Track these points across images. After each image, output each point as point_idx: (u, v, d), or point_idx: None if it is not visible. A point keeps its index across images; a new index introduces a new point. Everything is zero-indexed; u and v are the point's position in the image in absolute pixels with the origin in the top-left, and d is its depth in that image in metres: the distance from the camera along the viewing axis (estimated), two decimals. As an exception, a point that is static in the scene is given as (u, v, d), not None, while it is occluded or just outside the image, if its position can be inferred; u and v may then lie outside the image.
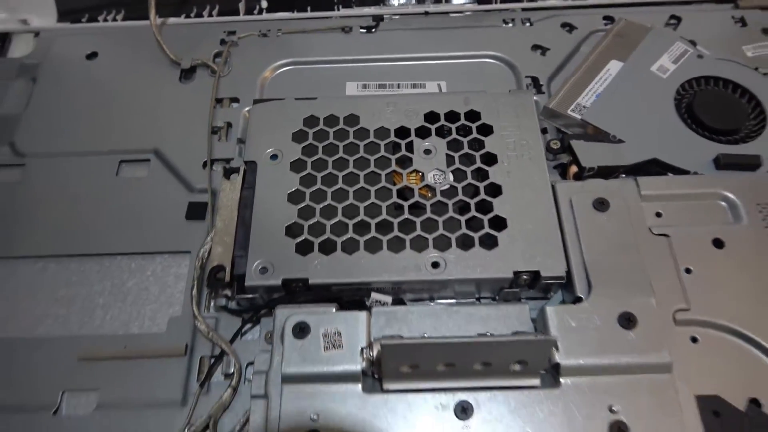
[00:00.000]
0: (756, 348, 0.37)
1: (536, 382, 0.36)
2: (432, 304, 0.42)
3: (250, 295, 0.41)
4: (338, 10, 0.62)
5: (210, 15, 0.62)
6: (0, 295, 0.45)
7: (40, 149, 0.53)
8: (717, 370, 0.37)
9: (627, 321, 0.36)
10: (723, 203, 0.43)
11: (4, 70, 0.59)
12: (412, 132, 0.46)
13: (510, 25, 0.60)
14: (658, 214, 0.42)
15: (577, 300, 0.38)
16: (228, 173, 0.45)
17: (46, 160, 0.52)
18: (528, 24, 0.60)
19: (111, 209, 0.49)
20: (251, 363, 0.40)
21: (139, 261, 0.47)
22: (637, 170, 0.45)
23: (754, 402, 0.36)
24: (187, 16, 0.62)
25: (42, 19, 0.63)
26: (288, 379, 0.36)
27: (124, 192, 0.50)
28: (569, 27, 0.59)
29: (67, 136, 0.53)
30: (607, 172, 0.45)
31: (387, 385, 0.36)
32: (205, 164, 0.50)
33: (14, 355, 0.42)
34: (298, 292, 0.41)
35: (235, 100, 0.55)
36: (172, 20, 0.62)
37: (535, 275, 0.40)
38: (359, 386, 0.36)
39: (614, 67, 0.52)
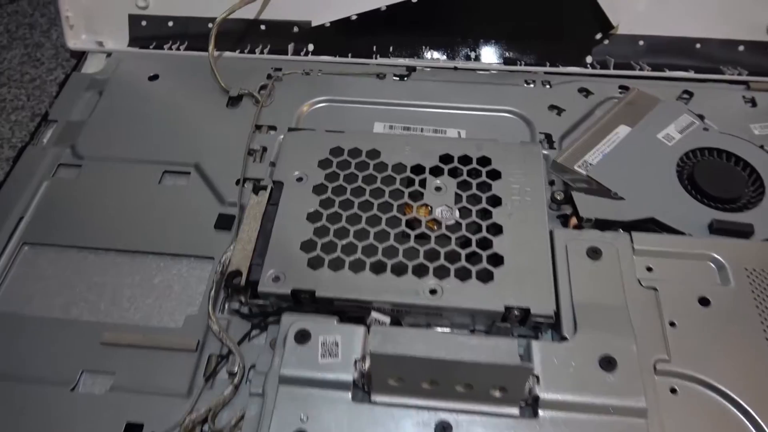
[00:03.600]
0: (732, 405, 0.38)
1: (515, 411, 0.38)
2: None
3: (261, 301, 0.45)
4: (376, 58, 0.68)
5: (261, 52, 0.69)
6: (41, 276, 0.50)
7: (96, 153, 0.59)
8: (693, 423, 0.38)
9: (607, 363, 0.38)
10: (712, 265, 0.45)
11: (78, 83, 0.66)
12: (427, 170, 0.50)
13: (531, 85, 0.65)
14: (649, 269, 0.44)
15: (563, 339, 0.41)
16: (257, 189, 0.50)
17: (100, 163, 0.58)
18: (548, 86, 0.64)
19: (150, 212, 0.54)
20: (254, 366, 0.43)
21: (168, 261, 0.51)
22: (633, 227, 0.48)
23: (727, 458, 0.37)
24: (242, 52, 0.69)
25: (115, 42, 0.71)
26: (285, 381, 0.39)
27: (164, 199, 0.55)
28: (586, 92, 0.63)
29: (121, 144, 0.60)
30: (604, 226, 0.48)
31: (375, 397, 0.39)
32: (238, 181, 0.55)
33: (45, 333, 0.47)
34: (304, 302, 0.44)
35: (273, 128, 0.61)
36: (227, 54, 0.69)
37: (526, 312, 0.42)
38: (349, 395, 0.38)
39: (623, 131, 0.55)
